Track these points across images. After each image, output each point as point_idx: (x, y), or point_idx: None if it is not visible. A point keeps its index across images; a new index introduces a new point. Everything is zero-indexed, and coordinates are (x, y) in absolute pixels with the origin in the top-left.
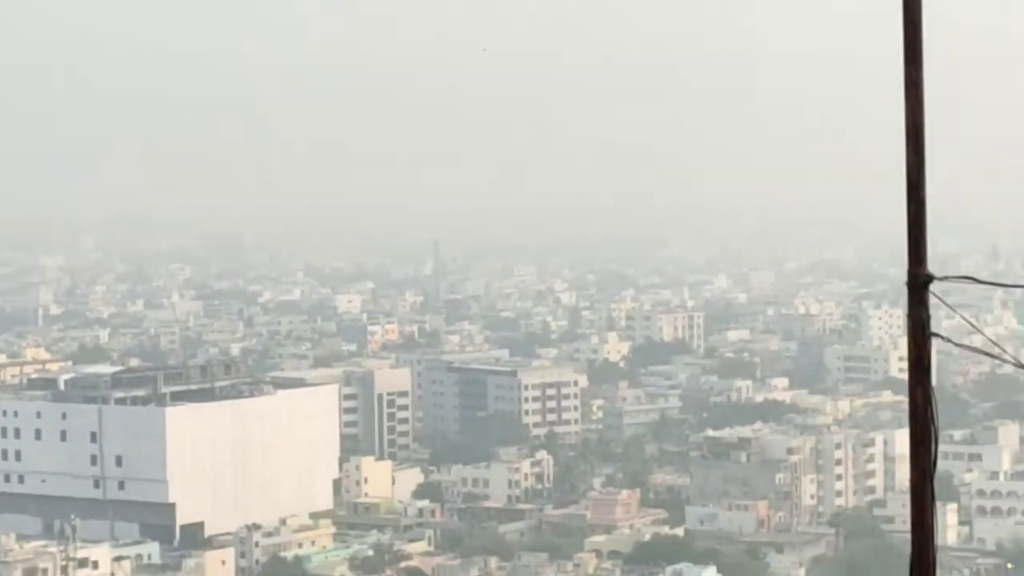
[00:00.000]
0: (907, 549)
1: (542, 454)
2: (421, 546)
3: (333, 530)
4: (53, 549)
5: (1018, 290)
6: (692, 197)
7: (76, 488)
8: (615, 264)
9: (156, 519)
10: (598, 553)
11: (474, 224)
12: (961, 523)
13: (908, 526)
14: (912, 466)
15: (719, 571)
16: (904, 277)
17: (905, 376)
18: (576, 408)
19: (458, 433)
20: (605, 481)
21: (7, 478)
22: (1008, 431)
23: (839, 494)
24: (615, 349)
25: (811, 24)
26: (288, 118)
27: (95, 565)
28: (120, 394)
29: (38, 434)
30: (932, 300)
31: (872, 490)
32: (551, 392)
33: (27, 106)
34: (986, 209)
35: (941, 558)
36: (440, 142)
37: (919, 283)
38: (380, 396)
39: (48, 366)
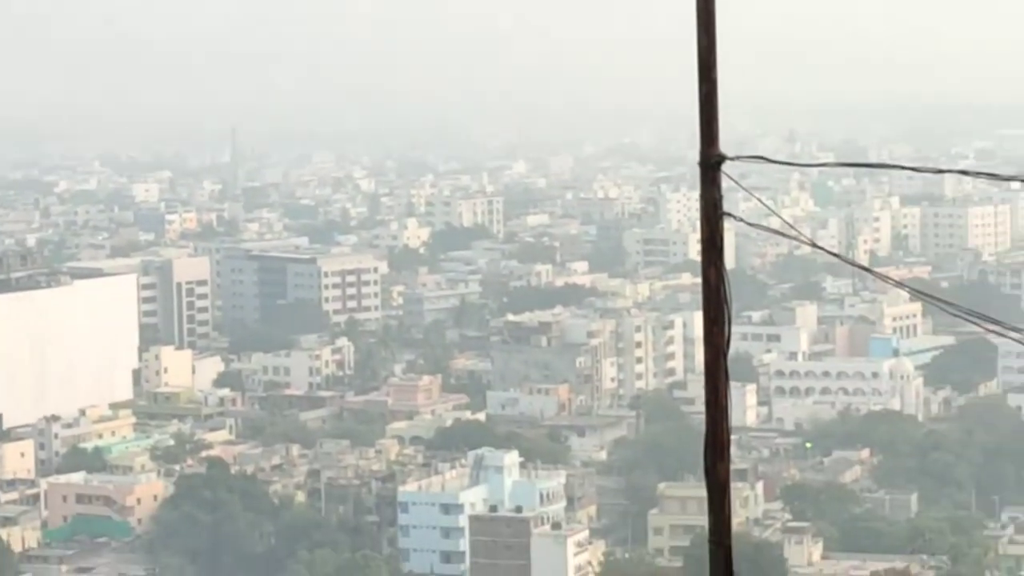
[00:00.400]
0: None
1: (343, 341)
2: (222, 435)
3: (133, 420)
4: None
5: (814, 173)
6: (490, 83)
7: None
8: (414, 150)
9: None
10: (400, 439)
11: (272, 111)
12: (760, 403)
13: None
14: (706, 345)
15: (520, 455)
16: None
17: None
18: (376, 295)
19: (258, 321)
20: (406, 367)
21: None
22: (806, 312)
23: (639, 376)
24: (415, 235)
25: None
26: (83, 4)
27: None
28: None
29: None
30: (728, 182)
31: (672, 372)
32: (351, 279)
33: None
34: (784, 92)
35: (740, 438)
36: (238, 29)
37: (711, 163)
38: (179, 285)
39: None
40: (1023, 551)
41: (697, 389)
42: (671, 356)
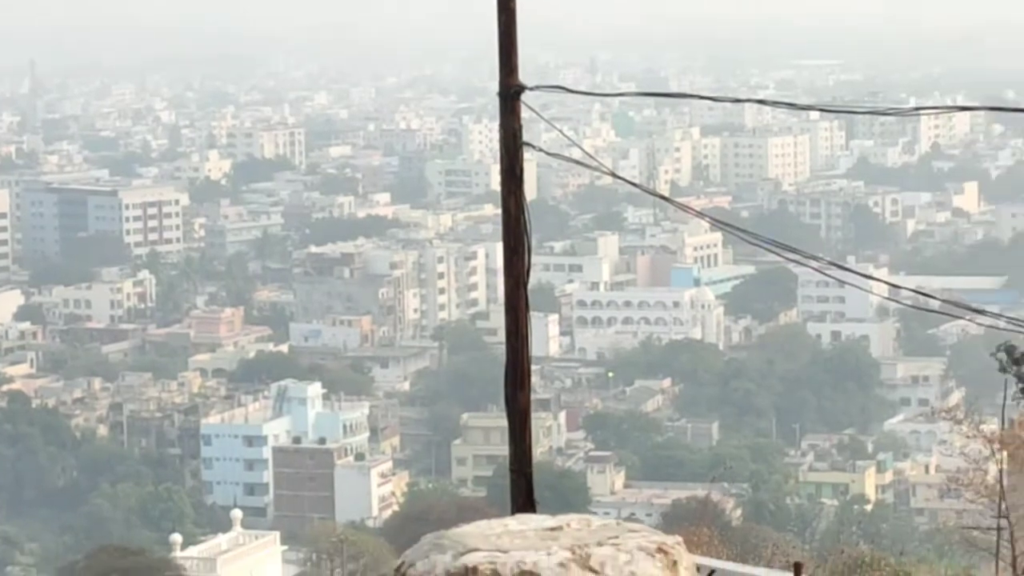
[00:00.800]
0: None
1: (144, 274)
2: (23, 369)
3: None
4: None
5: (615, 103)
6: (291, 14)
7: None
8: (215, 81)
9: None
10: (202, 372)
11: (71, 43)
12: (562, 333)
13: None
14: (506, 275)
15: (324, 387)
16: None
17: None
18: (178, 227)
19: (59, 254)
20: (208, 299)
21: None
22: (607, 242)
23: (442, 307)
24: (216, 167)
25: None
26: None
27: None
28: None
29: None
30: (529, 113)
31: (474, 303)
32: (152, 211)
33: None
34: (585, 23)
35: (543, 368)
36: None
37: (510, 94)
38: None
39: None
40: (823, 478)
41: (499, 319)
42: (473, 287)
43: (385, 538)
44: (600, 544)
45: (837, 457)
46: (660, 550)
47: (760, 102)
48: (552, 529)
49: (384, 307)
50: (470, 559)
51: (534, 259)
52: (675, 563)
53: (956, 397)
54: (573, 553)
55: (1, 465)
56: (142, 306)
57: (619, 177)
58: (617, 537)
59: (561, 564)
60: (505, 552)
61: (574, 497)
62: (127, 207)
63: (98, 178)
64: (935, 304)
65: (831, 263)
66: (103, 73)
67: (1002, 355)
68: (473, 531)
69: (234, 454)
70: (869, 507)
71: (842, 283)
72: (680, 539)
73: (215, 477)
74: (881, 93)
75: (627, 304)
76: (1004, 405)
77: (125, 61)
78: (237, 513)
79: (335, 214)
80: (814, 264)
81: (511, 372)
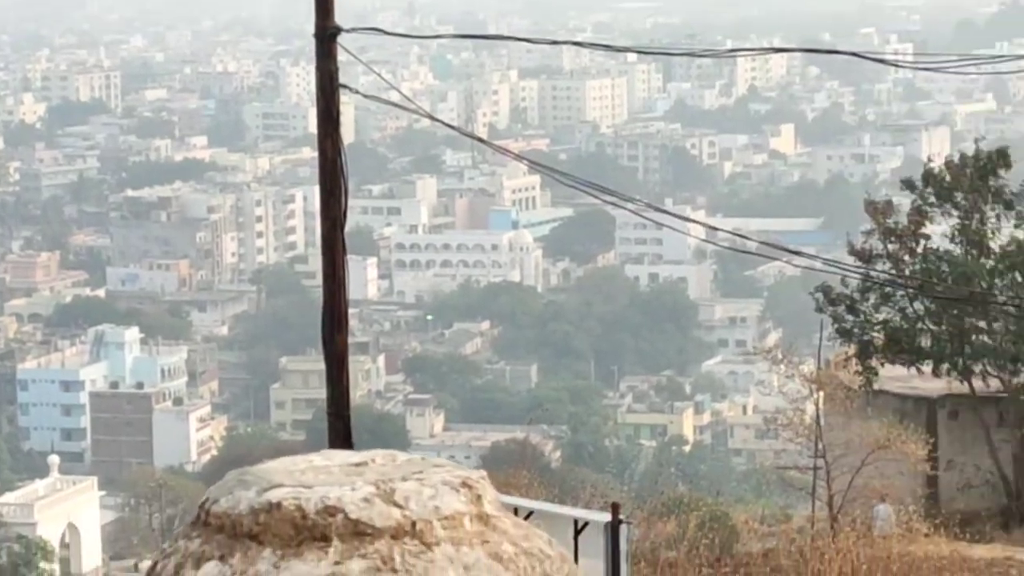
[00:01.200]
0: None
1: None
2: None
3: None
4: None
5: (434, 46)
6: None
7: None
8: (29, 24)
9: None
10: (18, 316)
11: None
12: (381, 277)
13: None
14: (323, 217)
15: (141, 331)
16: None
17: None
18: None
19: None
20: (24, 244)
21: None
22: (426, 185)
23: (260, 251)
24: (31, 110)
25: None
26: None
27: None
28: None
29: None
30: (345, 55)
31: (293, 246)
32: None
33: None
34: None
35: (362, 311)
36: None
37: (327, 36)
38: None
39: None
40: (641, 419)
41: (317, 263)
42: (291, 230)
43: (204, 483)
44: (405, 479)
45: (655, 399)
46: (464, 484)
47: (577, 44)
48: (357, 465)
49: (202, 251)
50: (274, 495)
51: (352, 202)
52: (479, 497)
53: (773, 338)
54: (377, 488)
55: None
56: None
57: (437, 120)
58: (422, 472)
59: (365, 499)
60: (309, 488)
61: (393, 440)
62: None
63: None
64: (752, 246)
65: (648, 205)
66: None
67: (818, 296)
68: (278, 467)
69: (51, 399)
70: (687, 448)
71: (660, 225)
72: (485, 474)
73: (32, 423)
74: (698, 36)
75: (445, 247)
76: (820, 345)
77: None
78: (54, 459)
79: (152, 158)
80: (631, 206)
81: (328, 315)
